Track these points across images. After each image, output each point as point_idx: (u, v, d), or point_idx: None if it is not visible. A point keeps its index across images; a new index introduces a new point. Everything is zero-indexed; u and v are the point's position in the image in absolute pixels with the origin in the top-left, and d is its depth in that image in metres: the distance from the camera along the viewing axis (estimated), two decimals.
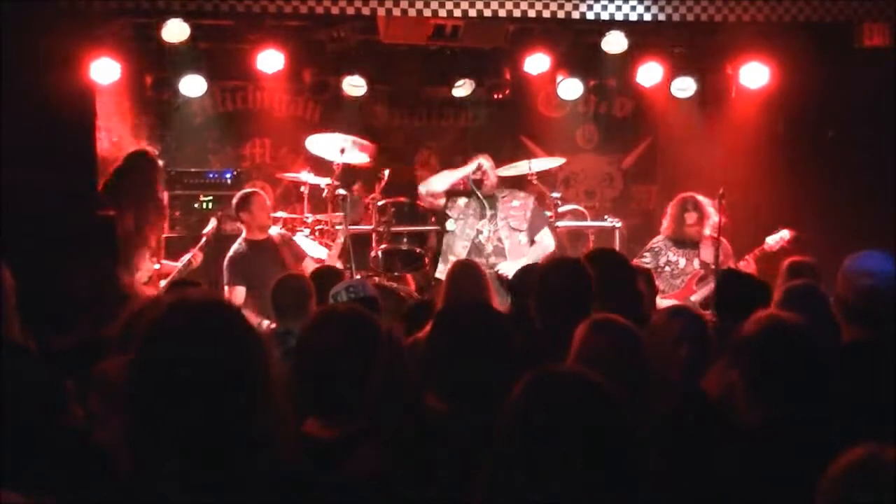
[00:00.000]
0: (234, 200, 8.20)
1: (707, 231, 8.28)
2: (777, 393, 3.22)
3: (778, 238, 8.23)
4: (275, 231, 8.24)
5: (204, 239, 8.03)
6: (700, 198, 8.32)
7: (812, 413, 3.17)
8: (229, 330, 2.21)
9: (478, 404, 3.10)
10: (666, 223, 8.44)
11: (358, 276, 7.97)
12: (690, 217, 8.25)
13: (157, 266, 7.66)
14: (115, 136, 8.91)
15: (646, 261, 8.19)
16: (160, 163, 7.94)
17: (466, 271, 6.10)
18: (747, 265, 7.96)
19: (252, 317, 7.52)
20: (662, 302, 7.64)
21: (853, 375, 3.62)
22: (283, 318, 5.63)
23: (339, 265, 7.92)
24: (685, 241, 8.33)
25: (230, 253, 8.00)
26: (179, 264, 7.75)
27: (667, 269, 8.26)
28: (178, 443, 2.11)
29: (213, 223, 8.19)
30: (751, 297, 5.18)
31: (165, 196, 8.24)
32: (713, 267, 8.06)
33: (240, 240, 8.10)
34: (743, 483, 3.11)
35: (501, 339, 3.33)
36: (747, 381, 3.28)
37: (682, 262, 8.28)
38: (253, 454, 2.15)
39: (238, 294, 7.77)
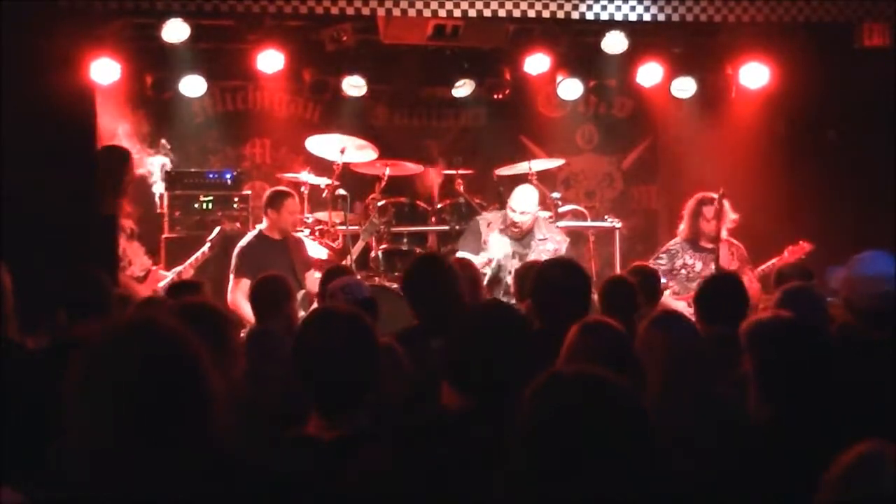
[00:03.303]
0: (267, 195, 8.20)
1: (725, 233, 8.16)
2: (787, 390, 3.22)
3: (796, 249, 8.10)
4: (291, 234, 8.22)
5: (208, 244, 7.90)
6: (716, 196, 8.26)
7: (821, 411, 3.17)
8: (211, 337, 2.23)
9: (502, 403, 3.12)
10: (683, 225, 8.32)
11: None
12: (708, 211, 8.12)
13: (153, 267, 7.62)
14: (115, 137, 8.90)
15: (661, 262, 8.11)
16: (128, 155, 7.70)
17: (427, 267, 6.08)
18: (750, 282, 7.70)
19: (251, 312, 7.52)
20: (676, 303, 7.64)
21: (871, 372, 3.63)
22: (262, 318, 5.63)
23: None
24: (703, 245, 8.24)
25: (242, 243, 7.97)
26: (170, 274, 7.65)
27: (682, 271, 8.18)
28: (162, 446, 2.12)
29: (216, 231, 8.12)
30: (731, 303, 5.18)
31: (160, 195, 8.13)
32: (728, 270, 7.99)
33: (255, 232, 8.08)
34: (752, 479, 3.12)
35: (525, 338, 3.35)
36: (758, 379, 3.28)
37: (699, 265, 8.18)
38: (231, 453, 2.16)
39: (243, 286, 7.76)
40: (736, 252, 8.20)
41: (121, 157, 7.55)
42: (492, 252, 7.95)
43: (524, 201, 8.05)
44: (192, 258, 7.82)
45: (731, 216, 8.16)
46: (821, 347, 3.34)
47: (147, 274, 7.44)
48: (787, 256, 8.06)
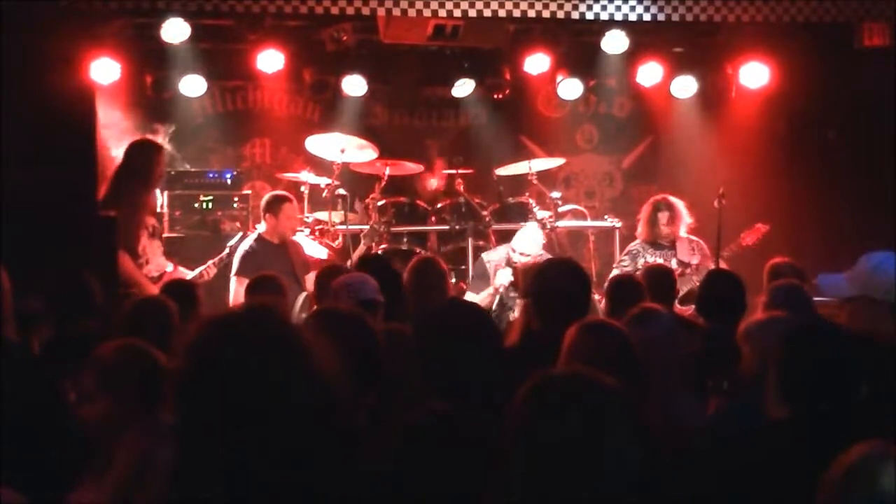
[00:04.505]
0: (265, 199, 8.12)
1: (683, 232, 8.29)
2: (807, 390, 3.21)
3: (752, 232, 8.23)
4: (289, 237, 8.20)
5: (227, 250, 7.84)
6: (672, 199, 8.35)
7: (840, 411, 3.17)
8: (284, 336, 2.19)
9: (473, 402, 3.11)
10: (640, 227, 8.45)
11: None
12: (663, 217, 8.27)
13: (169, 268, 7.54)
14: (115, 137, 8.90)
15: (624, 264, 8.24)
16: (160, 150, 7.69)
17: (428, 268, 6.12)
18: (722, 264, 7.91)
19: None
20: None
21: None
22: None
23: None
24: (661, 243, 8.34)
25: (244, 246, 7.89)
26: (191, 274, 7.58)
27: None
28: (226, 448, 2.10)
29: (238, 237, 8.09)
30: (733, 298, 5.22)
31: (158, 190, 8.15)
32: (692, 265, 8.09)
33: (255, 236, 8.01)
34: (768, 478, 3.11)
35: (488, 336, 3.34)
36: (779, 378, 3.28)
37: (660, 262, 8.27)
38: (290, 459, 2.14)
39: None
40: (697, 248, 8.28)
41: (151, 151, 7.51)
42: (497, 281, 7.83)
43: (527, 244, 7.90)
44: (211, 262, 7.75)
45: (688, 220, 8.25)
46: (845, 348, 3.33)
47: (161, 275, 7.34)
48: (744, 239, 8.17)
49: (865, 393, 3.21)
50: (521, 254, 7.87)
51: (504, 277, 7.76)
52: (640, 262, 8.23)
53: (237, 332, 2.14)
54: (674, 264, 8.17)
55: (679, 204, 8.30)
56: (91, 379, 3.41)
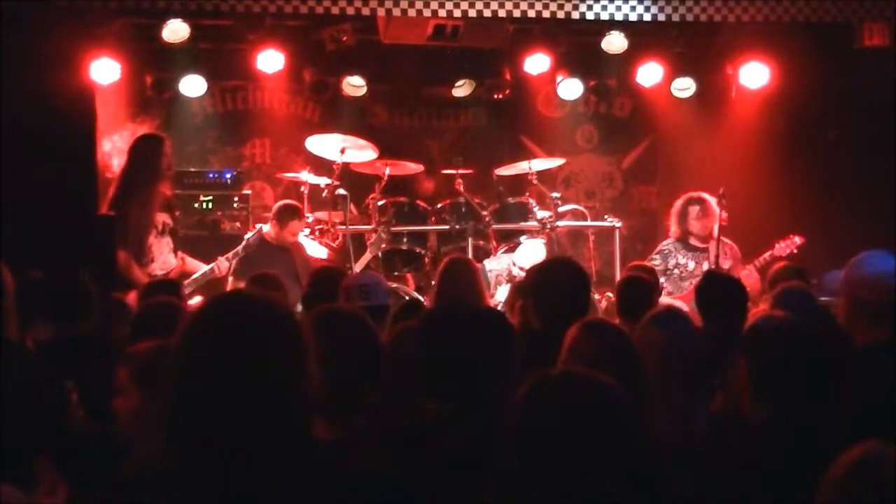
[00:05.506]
0: (277, 207, 8.25)
1: (716, 230, 8.26)
2: (784, 393, 3.21)
3: (787, 244, 8.20)
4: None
5: (242, 244, 7.81)
6: (705, 195, 8.34)
7: (821, 413, 3.16)
8: (278, 327, 2.21)
9: (470, 404, 3.10)
10: (673, 226, 8.44)
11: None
12: (693, 211, 8.26)
13: (175, 262, 7.51)
14: (115, 136, 8.89)
15: (655, 262, 8.19)
16: (163, 141, 7.57)
17: (459, 269, 6.10)
18: (749, 274, 7.90)
19: None
20: (673, 303, 7.64)
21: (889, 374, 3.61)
22: None
23: None
24: (694, 245, 8.32)
25: (245, 244, 7.95)
26: (205, 268, 7.57)
27: (675, 271, 8.26)
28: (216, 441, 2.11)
29: (256, 230, 8.05)
30: (730, 299, 5.22)
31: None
32: (724, 270, 8.04)
33: (258, 235, 8.02)
34: (749, 482, 3.11)
35: (492, 338, 3.33)
36: (755, 381, 3.27)
37: (692, 264, 8.28)
38: (283, 455, 2.15)
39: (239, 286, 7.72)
40: (729, 251, 8.26)
41: (155, 144, 7.46)
42: (497, 297, 7.83)
43: (529, 259, 7.92)
44: (223, 257, 7.71)
45: (721, 214, 8.24)
46: (822, 347, 3.33)
47: (168, 273, 7.28)
48: (779, 250, 8.15)
49: (842, 393, 3.21)
50: (521, 268, 7.86)
51: (504, 294, 7.76)
52: (671, 262, 8.25)
53: (230, 309, 2.17)
54: (705, 267, 8.14)
55: (711, 200, 8.28)
56: (125, 374, 3.45)
